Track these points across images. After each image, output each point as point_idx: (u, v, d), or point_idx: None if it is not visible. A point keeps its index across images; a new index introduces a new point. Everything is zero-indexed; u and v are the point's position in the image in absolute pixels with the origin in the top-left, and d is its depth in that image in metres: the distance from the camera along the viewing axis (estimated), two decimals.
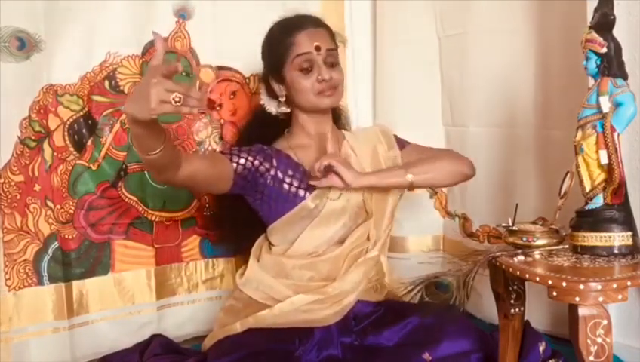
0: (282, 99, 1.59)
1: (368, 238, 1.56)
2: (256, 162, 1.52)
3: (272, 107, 1.63)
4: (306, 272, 1.54)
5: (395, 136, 1.69)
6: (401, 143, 1.67)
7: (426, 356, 1.35)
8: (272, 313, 1.48)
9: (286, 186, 1.54)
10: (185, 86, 1.06)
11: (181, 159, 1.32)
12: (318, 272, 1.54)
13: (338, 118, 1.76)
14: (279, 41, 1.56)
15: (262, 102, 1.65)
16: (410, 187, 1.54)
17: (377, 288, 1.60)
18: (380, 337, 1.45)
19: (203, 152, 1.85)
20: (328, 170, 1.47)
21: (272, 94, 1.62)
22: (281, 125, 1.66)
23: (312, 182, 1.51)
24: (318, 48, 1.52)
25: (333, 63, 1.55)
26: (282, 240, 1.58)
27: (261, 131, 1.66)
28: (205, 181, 1.45)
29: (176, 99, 1.03)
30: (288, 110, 1.61)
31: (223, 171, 1.47)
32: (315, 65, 1.53)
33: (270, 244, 1.62)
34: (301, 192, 1.54)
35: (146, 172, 1.80)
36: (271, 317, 1.47)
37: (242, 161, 1.50)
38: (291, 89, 1.56)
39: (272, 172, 1.54)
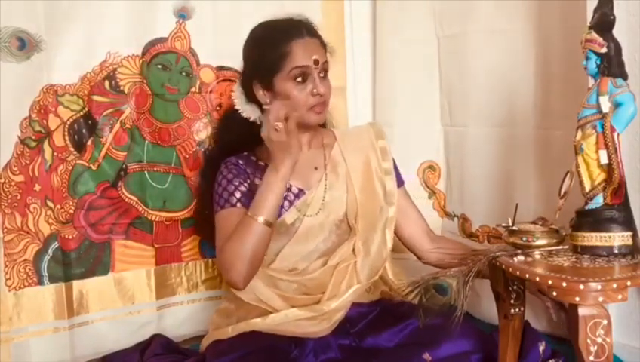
0: (266, 107, 1.48)
1: (354, 251, 1.53)
2: (242, 187, 1.51)
3: (250, 113, 1.54)
4: (291, 284, 1.52)
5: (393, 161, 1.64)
6: (399, 178, 1.65)
7: (426, 356, 1.35)
8: (264, 321, 1.47)
9: None
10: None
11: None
12: (304, 285, 1.52)
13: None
14: (273, 47, 1.48)
15: (237, 107, 1.56)
16: None
17: (370, 288, 1.59)
18: (379, 338, 1.44)
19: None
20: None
21: (252, 98, 1.53)
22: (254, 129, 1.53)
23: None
24: (316, 62, 1.48)
25: (324, 76, 1.52)
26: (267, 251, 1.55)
27: (237, 136, 1.61)
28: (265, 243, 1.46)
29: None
30: None
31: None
32: (309, 77, 1.48)
33: None
34: None
35: (146, 172, 1.80)
36: (263, 326, 1.47)
37: (238, 194, 1.50)
38: (280, 98, 1.48)
39: (252, 187, 1.51)
